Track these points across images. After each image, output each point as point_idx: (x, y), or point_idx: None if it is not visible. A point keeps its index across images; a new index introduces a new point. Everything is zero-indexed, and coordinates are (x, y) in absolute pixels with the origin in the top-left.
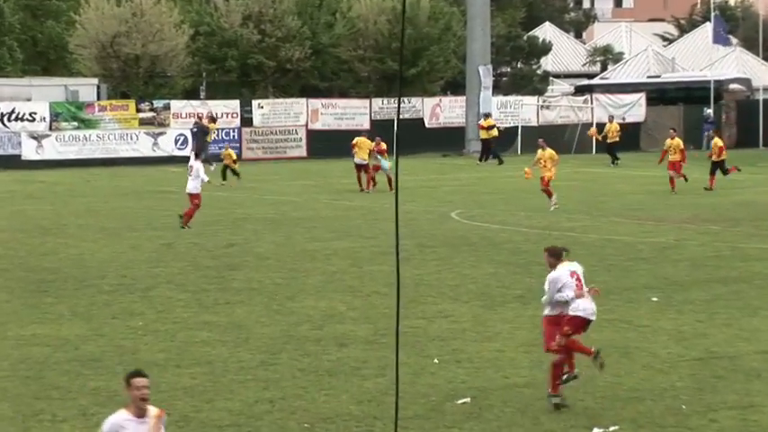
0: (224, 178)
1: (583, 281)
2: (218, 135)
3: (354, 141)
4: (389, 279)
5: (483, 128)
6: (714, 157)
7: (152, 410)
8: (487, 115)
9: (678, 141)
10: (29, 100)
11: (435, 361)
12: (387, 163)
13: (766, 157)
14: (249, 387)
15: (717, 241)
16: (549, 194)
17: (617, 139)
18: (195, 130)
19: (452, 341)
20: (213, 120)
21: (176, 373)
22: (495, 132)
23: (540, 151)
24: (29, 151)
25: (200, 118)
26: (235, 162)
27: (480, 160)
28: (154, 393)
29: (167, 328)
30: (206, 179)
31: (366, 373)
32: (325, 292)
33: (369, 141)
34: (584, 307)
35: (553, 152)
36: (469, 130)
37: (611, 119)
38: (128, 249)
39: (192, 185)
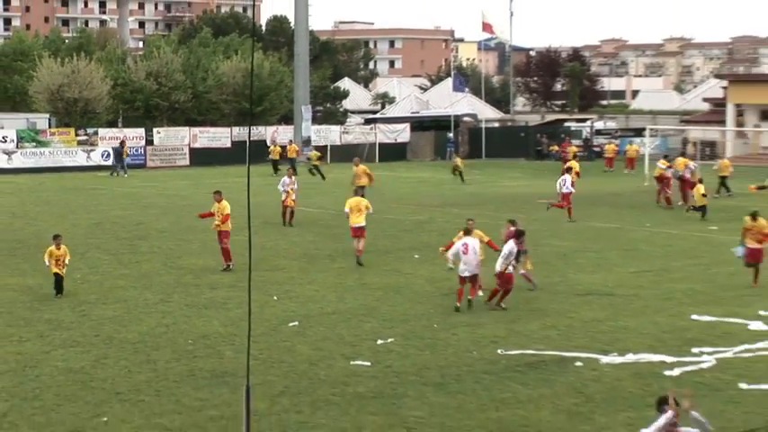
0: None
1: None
2: (130, 150)
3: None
4: (245, 246)
5: (296, 151)
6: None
7: None
8: (274, 143)
9: (363, 168)
10: (2, 128)
11: (275, 298)
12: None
13: (488, 166)
14: (152, 316)
15: (456, 218)
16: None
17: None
18: (120, 148)
19: (286, 285)
20: (122, 143)
21: (103, 308)
22: (293, 154)
23: (354, 168)
24: (2, 162)
25: (123, 141)
26: (320, 159)
27: (276, 172)
28: (85, 322)
29: (97, 279)
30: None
31: (229, 306)
32: (203, 254)
33: (360, 199)
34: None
35: (365, 167)
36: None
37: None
38: (70, 227)
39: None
